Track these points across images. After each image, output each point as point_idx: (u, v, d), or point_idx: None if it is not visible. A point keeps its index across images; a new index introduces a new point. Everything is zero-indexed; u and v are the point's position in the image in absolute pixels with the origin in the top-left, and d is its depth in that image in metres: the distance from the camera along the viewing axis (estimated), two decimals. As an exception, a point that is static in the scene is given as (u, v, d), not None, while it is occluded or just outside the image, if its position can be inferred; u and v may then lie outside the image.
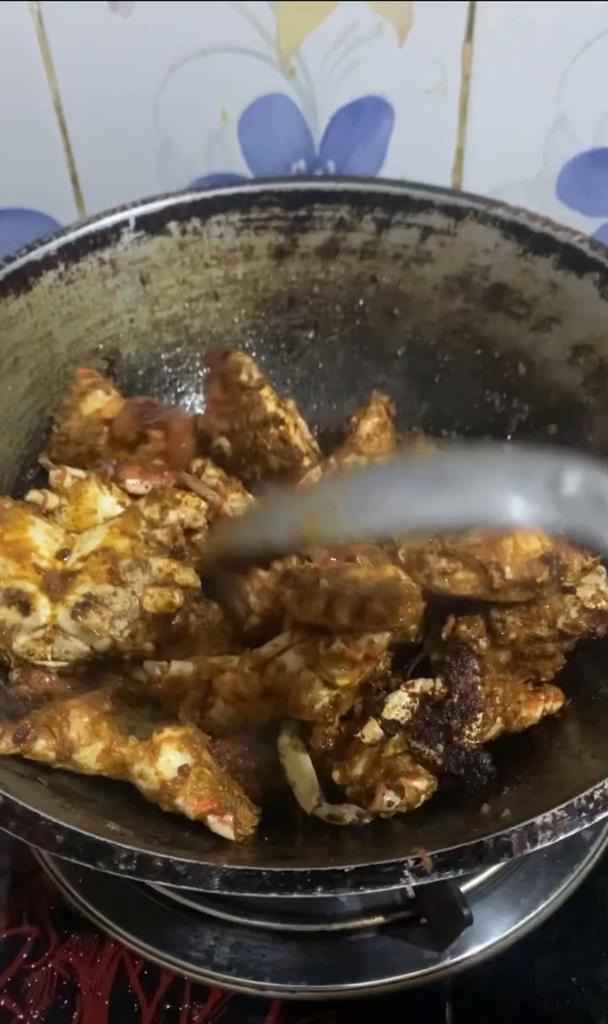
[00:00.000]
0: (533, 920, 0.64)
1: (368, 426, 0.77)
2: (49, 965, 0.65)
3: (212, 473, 0.72)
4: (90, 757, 0.55)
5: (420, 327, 0.80)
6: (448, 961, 0.62)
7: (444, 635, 0.59)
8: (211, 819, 0.53)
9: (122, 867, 0.45)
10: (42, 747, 0.54)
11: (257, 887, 0.44)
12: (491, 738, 0.58)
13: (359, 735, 0.57)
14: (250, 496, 0.71)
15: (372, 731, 0.57)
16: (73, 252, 0.74)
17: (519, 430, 0.76)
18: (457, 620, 0.59)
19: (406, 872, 0.44)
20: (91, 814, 0.51)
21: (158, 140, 0.97)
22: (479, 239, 0.75)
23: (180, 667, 0.59)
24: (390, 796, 0.55)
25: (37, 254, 0.73)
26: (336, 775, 0.57)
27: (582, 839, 0.68)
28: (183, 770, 0.54)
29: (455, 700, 0.57)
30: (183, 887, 0.44)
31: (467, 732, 0.57)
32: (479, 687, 0.58)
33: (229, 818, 0.53)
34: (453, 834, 0.47)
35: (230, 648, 0.64)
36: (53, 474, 0.67)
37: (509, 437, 0.77)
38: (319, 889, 0.44)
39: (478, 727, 0.57)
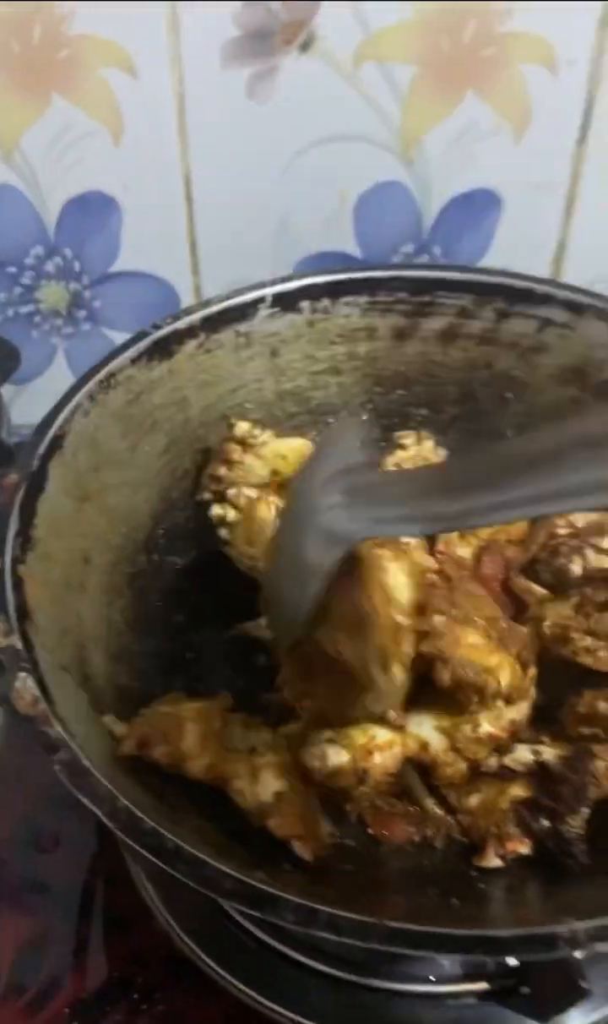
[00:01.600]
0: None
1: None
2: (159, 1008, 0.67)
3: None
4: (196, 767, 0.61)
5: (531, 411, 0.84)
6: (551, 1032, 0.64)
7: (582, 709, 0.62)
8: (296, 843, 0.58)
9: (291, 918, 0.47)
10: (159, 753, 0.61)
11: (416, 945, 0.46)
12: None
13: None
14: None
15: (490, 763, 0.61)
16: (214, 324, 0.79)
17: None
18: (595, 694, 0.62)
19: (561, 942, 0.46)
20: (238, 863, 0.54)
21: (277, 217, 1.02)
22: (597, 334, 0.79)
23: (336, 757, 0.61)
24: (497, 861, 0.59)
25: (183, 324, 0.77)
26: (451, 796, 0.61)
27: None
28: (278, 797, 0.59)
29: (565, 790, 0.60)
30: (346, 941, 0.47)
31: (570, 821, 0.60)
32: (592, 786, 0.60)
33: (313, 845, 0.58)
34: (595, 905, 0.49)
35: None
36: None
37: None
38: (479, 951, 0.46)
39: (581, 819, 0.60)
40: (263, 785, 0.60)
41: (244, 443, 0.77)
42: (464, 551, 0.73)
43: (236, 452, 0.77)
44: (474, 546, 0.74)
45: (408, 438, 0.85)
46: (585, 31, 0.89)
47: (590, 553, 0.70)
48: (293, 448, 0.78)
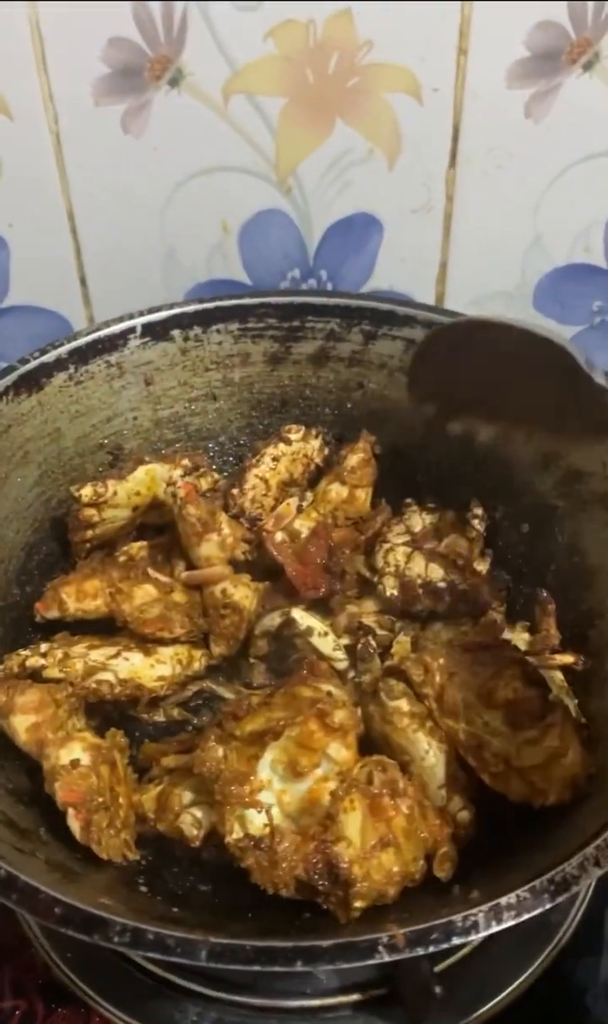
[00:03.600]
0: (504, 1000, 0.67)
1: (354, 460, 0.85)
2: (36, 1037, 0.67)
3: None
4: (22, 725, 0.65)
5: (404, 430, 0.86)
6: (422, 1039, 0.65)
7: None
8: (70, 811, 0.60)
9: (116, 939, 0.48)
10: None
11: (242, 960, 0.47)
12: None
13: None
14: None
15: None
16: (83, 355, 0.80)
17: (495, 527, 0.81)
18: None
19: (380, 948, 0.47)
20: (85, 889, 0.55)
21: (163, 248, 1.04)
22: (458, 352, 0.81)
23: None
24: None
25: (50, 357, 0.79)
26: None
27: (550, 922, 0.72)
28: (73, 763, 0.62)
29: None
30: (173, 959, 0.48)
31: None
32: None
33: (86, 819, 0.60)
34: (425, 913, 0.51)
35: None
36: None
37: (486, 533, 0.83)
38: (299, 963, 0.47)
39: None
40: (67, 750, 0.63)
41: (96, 504, 0.77)
42: (303, 524, 0.80)
43: (94, 515, 0.78)
44: (313, 520, 0.81)
45: (295, 433, 0.86)
46: (446, 60, 0.92)
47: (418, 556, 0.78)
48: (142, 480, 0.79)
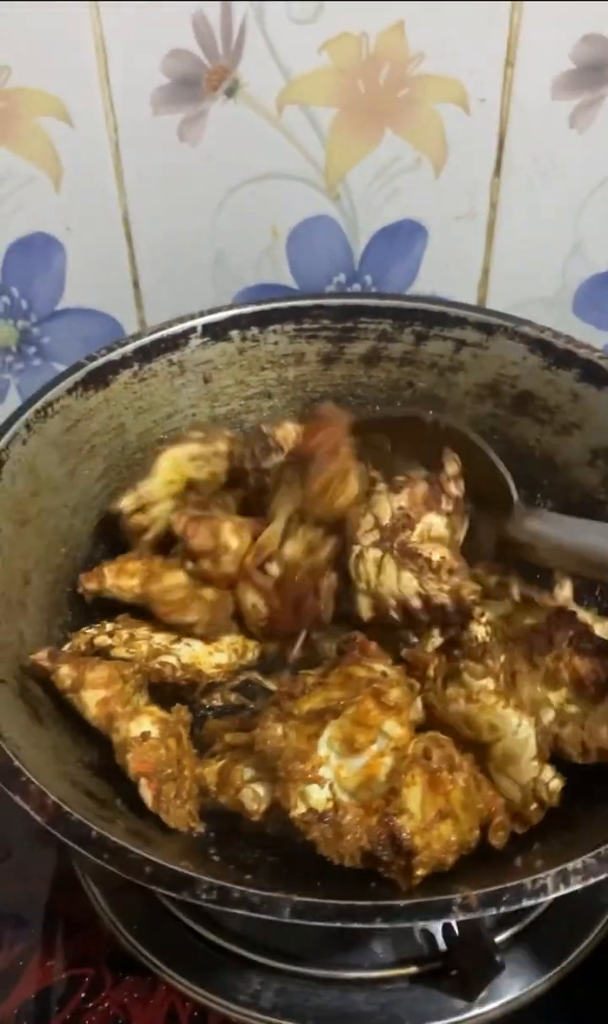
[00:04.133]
0: (556, 975, 0.70)
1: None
2: (105, 1005, 0.70)
3: None
4: (92, 699, 0.68)
5: (453, 428, 0.89)
6: (476, 1011, 0.68)
7: None
8: (142, 781, 0.63)
9: (204, 896, 0.51)
10: (64, 672, 0.68)
11: (324, 917, 0.50)
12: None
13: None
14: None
15: None
16: (147, 354, 0.84)
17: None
18: None
19: (455, 907, 0.50)
20: (165, 854, 0.57)
21: (213, 252, 1.07)
22: (508, 352, 0.85)
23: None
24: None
25: (116, 355, 0.82)
26: None
27: (599, 903, 0.74)
28: (144, 735, 0.65)
29: None
30: (259, 915, 0.50)
31: None
32: None
33: (156, 789, 0.63)
34: (490, 880, 0.53)
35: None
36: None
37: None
38: (379, 919, 0.50)
39: None
40: (137, 723, 0.66)
41: (141, 509, 0.80)
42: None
43: (143, 519, 0.80)
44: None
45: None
46: (493, 71, 0.95)
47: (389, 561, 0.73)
48: (167, 468, 0.81)
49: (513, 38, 0.92)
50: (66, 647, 0.73)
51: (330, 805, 0.61)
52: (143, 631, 0.76)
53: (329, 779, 0.62)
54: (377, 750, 0.63)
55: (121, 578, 0.76)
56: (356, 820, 0.60)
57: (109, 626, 0.75)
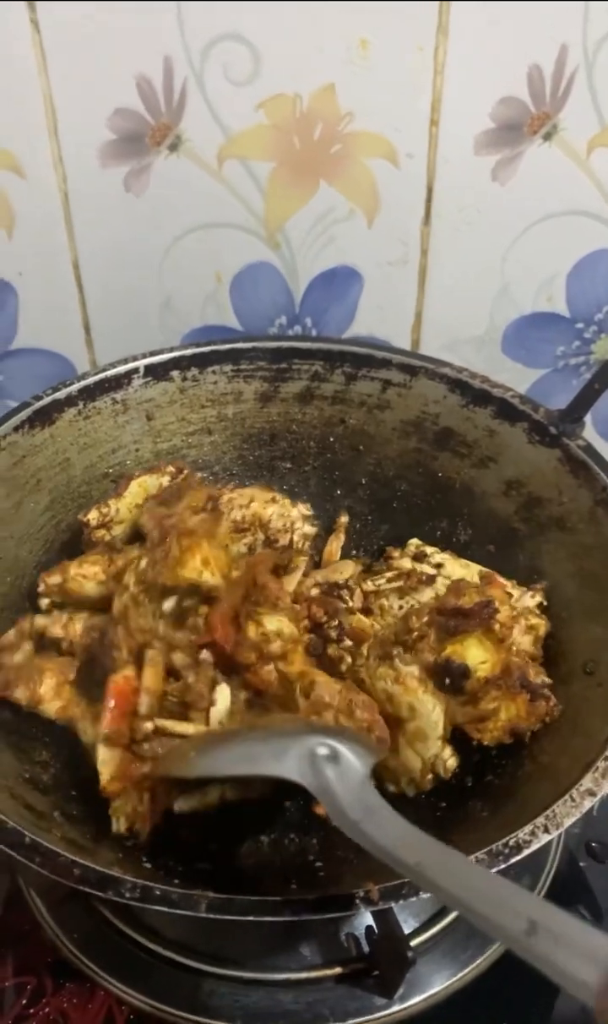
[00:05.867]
0: (472, 972, 0.74)
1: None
2: (46, 1011, 0.73)
3: None
4: (50, 710, 0.74)
5: (381, 461, 0.95)
6: (396, 1007, 0.72)
7: None
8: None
9: (127, 895, 0.55)
10: (19, 694, 0.74)
11: (237, 911, 0.55)
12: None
13: None
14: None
15: None
16: (91, 393, 0.89)
17: (463, 548, 0.89)
18: None
19: (358, 901, 0.55)
20: (97, 859, 0.61)
21: (160, 296, 1.13)
22: (430, 392, 0.90)
23: None
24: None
25: (61, 394, 0.87)
26: None
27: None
28: None
29: None
30: (177, 912, 0.55)
31: None
32: None
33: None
34: (395, 876, 0.58)
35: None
36: None
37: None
38: (287, 912, 0.54)
39: None
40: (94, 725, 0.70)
41: (105, 525, 0.85)
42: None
43: (105, 535, 0.85)
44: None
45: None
46: (419, 129, 1.02)
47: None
48: (137, 493, 0.86)
49: (436, 100, 0.99)
50: (11, 631, 0.78)
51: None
52: (82, 614, 0.80)
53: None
54: None
55: (83, 567, 0.80)
56: None
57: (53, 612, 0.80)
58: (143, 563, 0.71)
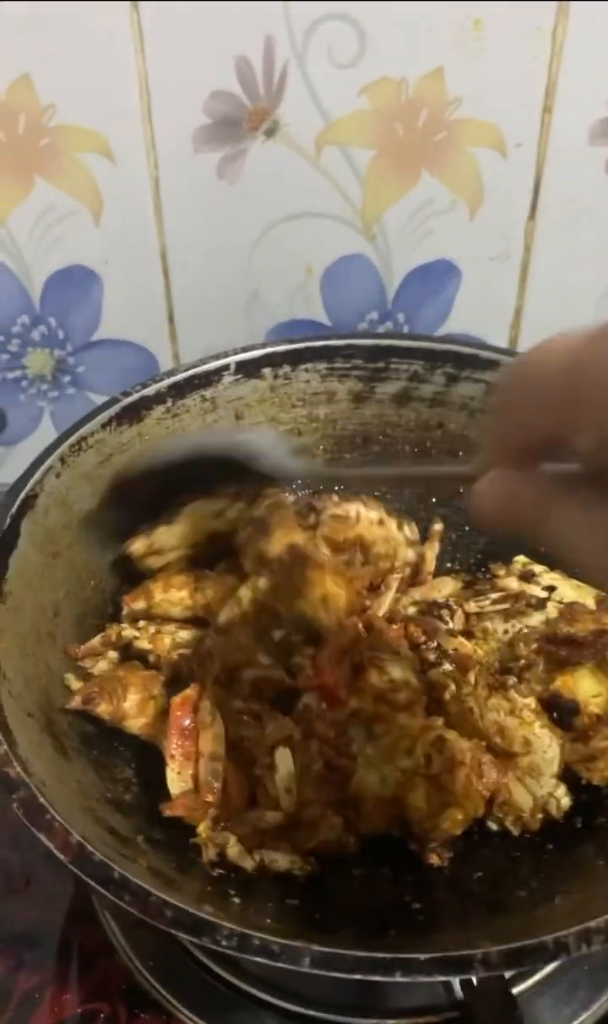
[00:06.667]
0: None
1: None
2: (119, 1042, 0.70)
3: None
4: (134, 726, 0.71)
5: (483, 469, 0.89)
6: (493, 1063, 0.67)
7: None
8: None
9: (224, 943, 0.51)
10: (102, 709, 0.70)
11: (343, 968, 0.50)
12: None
13: None
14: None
15: None
16: (180, 390, 0.85)
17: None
18: None
19: (475, 964, 0.50)
20: (186, 896, 0.57)
21: (248, 288, 1.09)
22: (539, 396, 0.85)
23: None
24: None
25: (150, 390, 0.83)
26: None
27: (617, 956, 0.73)
28: None
29: None
30: (278, 965, 0.50)
31: None
32: None
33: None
34: (511, 935, 0.53)
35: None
36: None
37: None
38: (398, 973, 0.50)
39: None
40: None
41: (153, 554, 0.80)
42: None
43: (155, 562, 0.80)
44: None
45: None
46: (531, 117, 0.96)
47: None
48: (188, 520, 0.80)
49: (551, 85, 0.94)
50: (96, 638, 0.76)
51: None
52: (169, 627, 0.77)
53: None
54: None
55: (169, 592, 0.78)
56: None
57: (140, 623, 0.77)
58: (262, 582, 0.67)
